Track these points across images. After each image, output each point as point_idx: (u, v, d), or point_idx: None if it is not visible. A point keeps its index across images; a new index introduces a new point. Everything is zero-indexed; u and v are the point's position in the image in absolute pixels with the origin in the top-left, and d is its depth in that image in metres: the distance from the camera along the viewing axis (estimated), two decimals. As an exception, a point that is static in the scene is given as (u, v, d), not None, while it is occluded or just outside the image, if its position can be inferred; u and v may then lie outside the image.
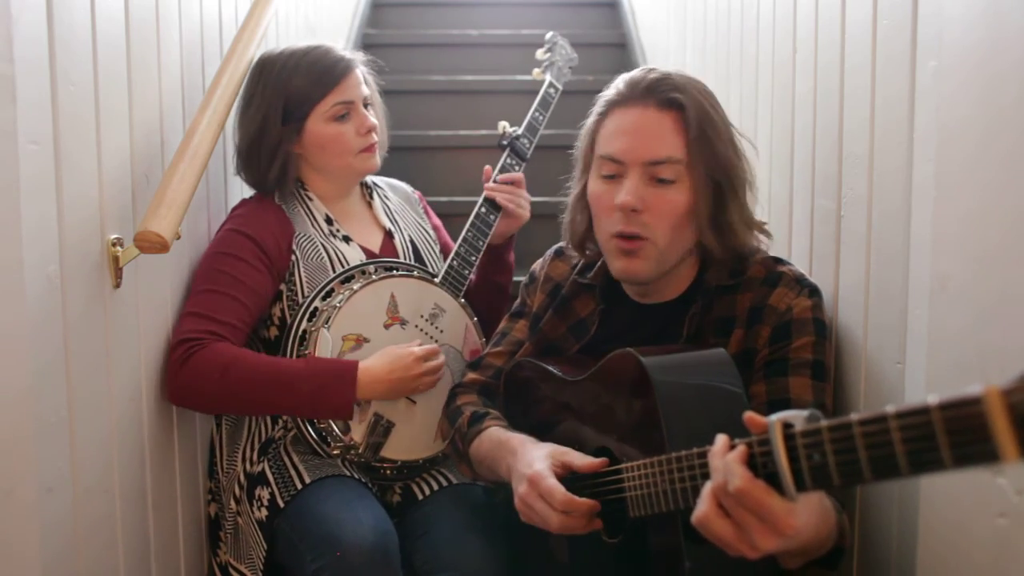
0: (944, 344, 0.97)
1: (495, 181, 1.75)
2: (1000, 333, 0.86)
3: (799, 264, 1.41)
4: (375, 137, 1.65)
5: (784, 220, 1.50)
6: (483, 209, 1.72)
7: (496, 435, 1.26)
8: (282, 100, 1.58)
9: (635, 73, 1.23)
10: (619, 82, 1.24)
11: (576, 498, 1.06)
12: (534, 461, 1.12)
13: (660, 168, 1.17)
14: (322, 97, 1.59)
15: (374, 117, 1.66)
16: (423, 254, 1.74)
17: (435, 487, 1.56)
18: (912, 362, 1.07)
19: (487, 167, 1.80)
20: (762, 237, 1.27)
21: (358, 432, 1.49)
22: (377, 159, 1.67)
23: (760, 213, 1.33)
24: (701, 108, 1.18)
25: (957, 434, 0.61)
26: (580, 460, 1.10)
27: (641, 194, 1.17)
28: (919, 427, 0.63)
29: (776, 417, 0.75)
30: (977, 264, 0.90)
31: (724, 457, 0.80)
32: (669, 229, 1.18)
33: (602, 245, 1.26)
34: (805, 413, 0.74)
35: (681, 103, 1.17)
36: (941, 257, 0.97)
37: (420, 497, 1.56)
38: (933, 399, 0.62)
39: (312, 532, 1.34)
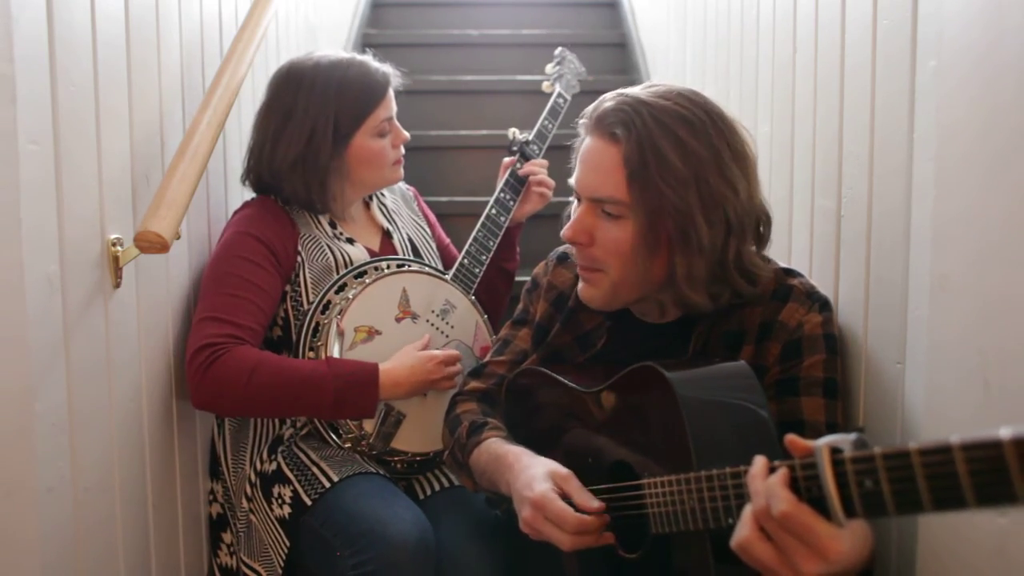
0: (944, 344, 0.97)
1: (506, 183, 1.81)
2: (1000, 332, 0.86)
3: (799, 264, 1.42)
4: (403, 149, 1.69)
5: (784, 220, 1.50)
6: (494, 210, 1.77)
7: (493, 448, 1.24)
8: (332, 116, 1.57)
9: (599, 99, 1.17)
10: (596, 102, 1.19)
11: (587, 518, 1.04)
12: (534, 482, 1.09)
13: (605, 204, 1.14)
14: (371, 112, 1.60)
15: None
16: (422, 252, 1.76)
17: (436, 487, 1.56)
18: (912, 362, 1.07)
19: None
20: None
21: (369, 422, 1.50)
22: (402, 170, 1.71)
23: (706, 253, 1.30)
24: (647, 146, 1.09)
25: None
26: (580, 498, 1.06)
27: (586, 226, 1.16)
28: (990, 460, 0.61)
29: (823, 441, 0.74)
30: (977, 263, 0.90)
31: (765, 480, 0.79)
32: (619, 264, 1.15)
33: None
34: (851, 437, 0.73)
35: (619, 139, 1.11)
36: (941, 256, 0.97)
37: (421, 496, 1.56)
38: (1006, 433, 0.60)
39: (349, 528, 1.34)
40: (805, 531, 0.75)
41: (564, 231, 1.18)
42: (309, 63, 1.60)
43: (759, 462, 0.81)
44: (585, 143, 1.18)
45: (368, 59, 1.64)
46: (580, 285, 1.22)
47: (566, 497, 1.07)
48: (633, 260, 1.13)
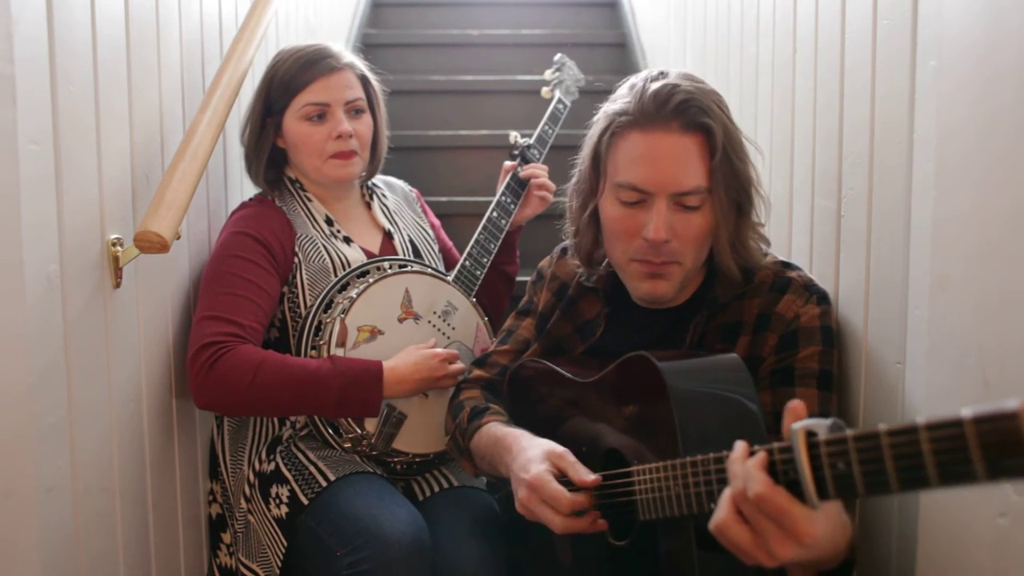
0: (944, 344, 0.97)
1: (507, 186, 1.81)
2: (1000, 332, 0.86)
3: (799, 263, 1.41)
4: (352, 144, 1.60)
5: (784, 220, 1.50)
6: (495, 213, 1.78)
7: (493, 431, 1.25)
8: (266, 91, 1.60)
9: (659, 90, 1.12)
10: (633, 98, 1.15)
11: (580, 497, 1.05)
12: (530, 464, 1.11)
13: (687, 197, 1.13)
14: (296, 93, 1.58)
15: (367, 125, 1.64)
16: (423, 254, 1.75)
17: (436, 488, 1.56)
18: (912, 362, 1.07)
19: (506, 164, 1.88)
20: (763, 244, 1.25)
21: (371, 422, 1.50)
22: (353, 168, 1.62)
23: (760, 213, 1.33)
24: (725, 129, 1.14)
25: (991, 448, 0.60)
26: (575, 473, 1.07)
27: (671, 223, 1.14)
28: (951, 439, 0.62)
29: (799, 425, 0.75)
30: (977, 263, 0.90)
31: (744, 463, 0.80)
32: (695, 252, 1.17)
33: (619, 266, 1.22)
34: (827, 422, 0.74)
35: (708, 127, 1.12)
36: (941, 256, 0.97)
37: (420, 498, 1.55)
38: (967, 412, 0.61)
39: (344, 527, 1.34)
40: (780, 513, 0.76)
41: (654, 233, 1.13)
42: (284, 49, 1.64)
43: (739, 446, 0.82)
44: (653, 139, 1.13)
45: (329, 46, 1.62)
46: (646, 284, 1.19)
47: (562, 474, 1.08)
48: (706, 244, 1.17)
